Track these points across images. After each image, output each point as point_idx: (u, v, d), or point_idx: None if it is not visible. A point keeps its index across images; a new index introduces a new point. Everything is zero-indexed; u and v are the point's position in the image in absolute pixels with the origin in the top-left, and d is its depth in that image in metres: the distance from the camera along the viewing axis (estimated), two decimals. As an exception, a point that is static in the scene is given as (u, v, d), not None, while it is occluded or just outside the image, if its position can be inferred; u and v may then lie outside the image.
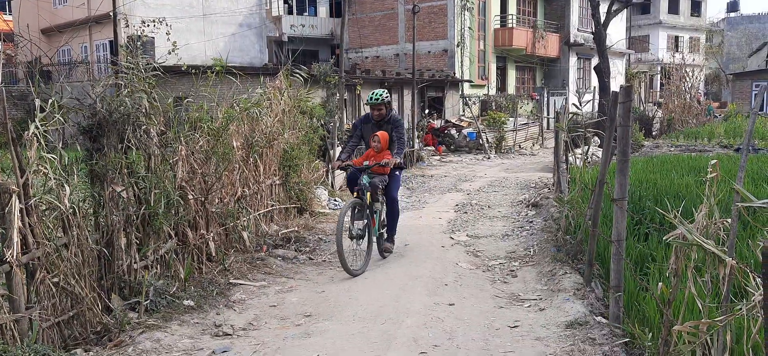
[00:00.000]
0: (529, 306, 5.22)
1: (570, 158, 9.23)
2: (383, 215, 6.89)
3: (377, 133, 6.75)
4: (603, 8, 22.53)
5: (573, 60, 32.52)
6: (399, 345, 4.33)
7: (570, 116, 10.64)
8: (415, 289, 5.73)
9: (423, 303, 5.31)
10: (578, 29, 32.41)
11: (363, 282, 6.00)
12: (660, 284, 3.54)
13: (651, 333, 3.68)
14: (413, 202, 11.28)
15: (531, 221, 8.92)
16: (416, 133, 18.17)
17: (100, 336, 4.30)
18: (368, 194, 6.45)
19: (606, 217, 6.40)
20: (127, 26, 13.64)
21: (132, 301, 4.73)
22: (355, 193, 6.61)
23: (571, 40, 31.79)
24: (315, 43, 31.14)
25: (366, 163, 6.63)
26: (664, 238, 3.38)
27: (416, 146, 17.95)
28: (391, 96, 23.54)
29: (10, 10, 29.37)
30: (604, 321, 4.54)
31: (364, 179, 6.48)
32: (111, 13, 14.17)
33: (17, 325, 3.73)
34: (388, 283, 5.92)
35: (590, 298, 5.08)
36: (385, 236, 6.96)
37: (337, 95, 16.82)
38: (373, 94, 6.84)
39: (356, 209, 6.47)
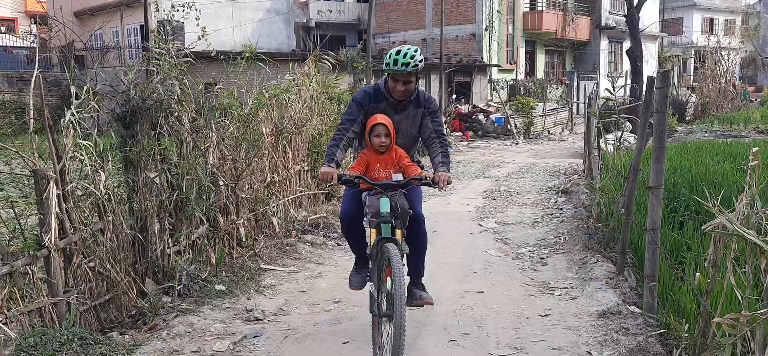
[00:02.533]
0: (559, 295, 5.17)
1: (601, 144, 9.08)
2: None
3: (379, 119, 3.93)
4: (636, -10, 22.02)
5: (604, 44, 31.92)
6: (429, 333, 4.32)
7: (603, 101, 10.45)
8: (444, 277, 5.71)
9: (452, 290, 5.29)
10: (610, 12, 31.77)
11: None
12: (697, 274, 3.47)
13: (687, 325, 3.60)
14: (441, 188, 11.20)
15: (561, 208, 8.81)
16: (443, 118, 18.07)
17: (135, 319, 4.38)
18: (398, 231, 3.79)
19: (639, 204, 6.29)
20: (158, 10, 13.76)
21: (165, 286, 4.81)
22: (373, 229, 3.82)
23: (603, 24, 31.19)
24: (342, 28, 31.09)
25: (397, 178, 3.81)
26: (702, 227, 3.30)
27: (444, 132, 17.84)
28: (418, 82, 23.24)
29: (44, -6, 29.80)
30: (637, 310, 4.47)
31: (383, 205, 3.70)
32: (141, -1, 14.31)
33: (55, 308, 3.82)
34: (417, 270, 5.91)
35: (623, 287, 5.01)
36: (414, 276, 4.23)
37: (365, 80, 16.80)
38: (399, 52, 3.87)
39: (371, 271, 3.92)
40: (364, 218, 3.99)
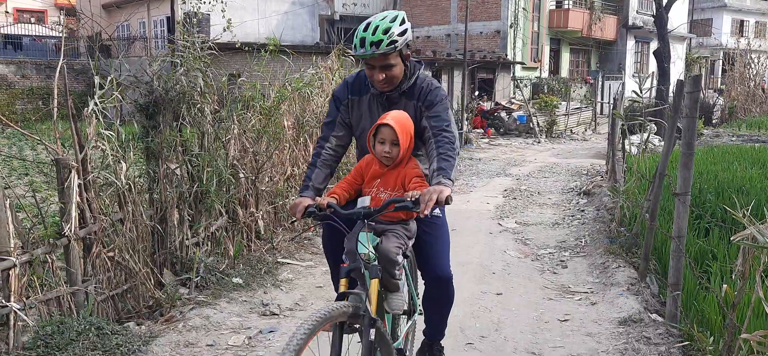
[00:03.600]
0: (579, 299, 5.08)
1: (626, 146, 8.93)
2: (413, 316, 3.24)
3: (387, 119, 2.80)
4: (665, -10, 21.61)
5: (631, 43, 31.44)
6: (446, 335, 4.27)
7: (629, 102, 10.29)
8: (463, 277, 5.65)
9: (470, 291, 5.23)
10: (638, 11, 31.27)
11: (410, 266, 5.96)
12: (724, 286, 3.37)
13: (712, 337, 3.51)
14: (460, 186, 11.15)
15: (582, 210, 8.69)
16: (465, 115, 17.96)
17: (152, 310, 4.40)
18: (372, 281, 2.56)
19: (664, 210, 6.18)
20: (184, 2, 13.83)
21: (183, 277, 4.82)
22: (343, 280, 2.61)
23: (630, 23, 30.71)
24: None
25: (363, 204, 2.67)
26: (731, 238, 3.20)
27: (465, 129, 17.74)
28: (440, 78, 22.81)
29: (72, -15, 30.22)
30: (659, 319, 4.37)
31: (361, 245, 2.62)
32: (168, -10, 14.42)
33: (74, 297, 3.84)
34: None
35: (645, 294, 4.91)
36: (431, 339, 3.34)
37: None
38: (367, 27, 2.79)
39: (340, 332, 2.36)
40: (348, 252, 2.73)
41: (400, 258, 2.73)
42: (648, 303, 4.74)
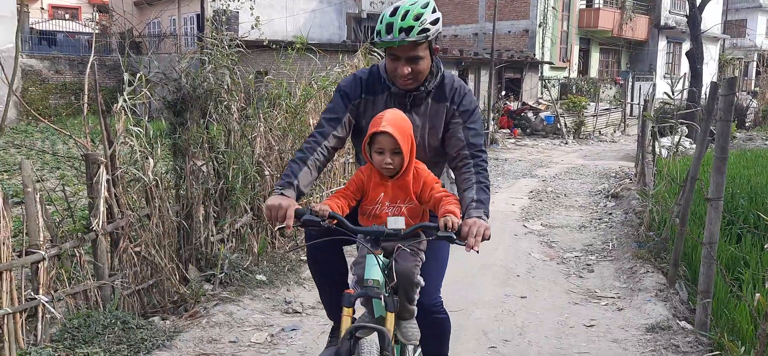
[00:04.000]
0: (606, 305, 5.00)
1: (656, 148, 8.77)
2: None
3: (383, 124, 2.32)
4: (699, -11, 21.19)
5: (662, 44, 30.88)
6: (468, 337, 4.24)
7: (660, 103, 10.10)
8: (486, 278, 5.60)
9: (494, 293, 5.18)
10: (670, 11, 30.71)
11: (433, 267, 5.93)
12: (757, 294, 3.27)
13: (743, 347, 3.42)
14: (487, 186, 11.04)
15: (610, 213, 8.56)
16: (491, 115, 17.83)
17: (177, 305, 4.45)
18: (389, 316, 2.30)
19: (694, 214, 6.05)
20: (214, 0, 14.02)
21: (207, 273, 4.86)
22: (347, 309, 2.29)
23: (662, 23, 30.17)
24: (393, 20, 30.95)
25: (396, 225, 2.30)
26: (765, 245, 3.11)
27: (491, 129, 17.61)
28: (467, 78, 22.61)
29: (106, -17, 30.80)
30: (688, 326, 4.28)
31: (370, 269, 2.27)
32: (197, -12, 14.60)
33: (100, 291, 3.90)
34: (457, 270, 5.81)
35: (674, 301, 4.81)
36: None
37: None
38: (394, 11, 2.40)
39: None
40: (350, 274, 2.52)
41: (420, 279, 2.45)
42: (677, 310, 4.64)
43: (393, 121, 2.31)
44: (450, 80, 2.59)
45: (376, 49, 8.94)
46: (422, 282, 2.46)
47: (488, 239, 2.20)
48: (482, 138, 2.54)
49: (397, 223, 2.27)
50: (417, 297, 2.47)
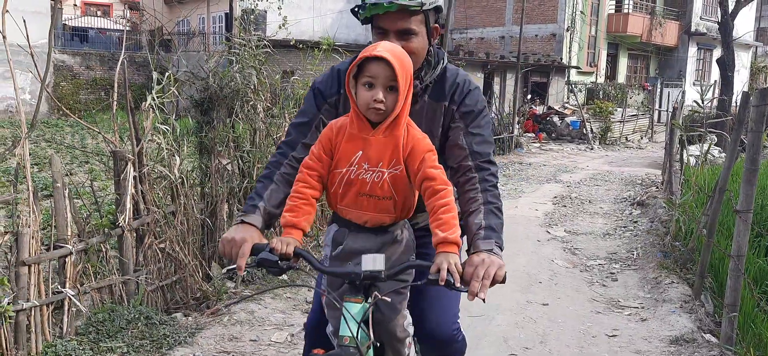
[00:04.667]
0: (629, 314, 4.93)
1: (684, 157, 8.63)
2: None
3: (379, 49, 1.77)
4: (732, -4, 20.80)
5: (692, 50, 30.36)
6: (488, 344, 4.22)
7: (689, 111, 9.94)
8: (508, 284, 5.52)
9: (515, 300, 5.15)
10: (701, 17, 30.18)
11: (455, 271, 5.91)
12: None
13: (770, 363, 3.35)
14: (509, 190, 10.99)
15: (635, 221, 8.44)
16: (516, 118, 17.71)
17: (199, 302, 4.50)
18: None
19: (722, 225, 5.93)
20: (242, 0, 14.15)
21: (231, 269, 4.91)
22: None
23: (692, 29, 29.66)
24: (419, 21, 30.95)
25: (371, 265, 1.71)
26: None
27: (516, 132, 17.49)
28: (493, 81, 22.55)
29: (136, -19, 31.34)
30: (714, 340, 4.20)
31: (345, 324, 1.70)
32: (226, -13, 14.76)
33: (125, 287, 3.96)
34: (480, 275, 5.79)
35: (699, 313, 4.72)
36: None
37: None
38: None
39: None
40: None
41: (410, 330, 2.00)
42: (702, 322, 4.56)
43: (391, 49, 1.78)
44: (452, 74, 2.07)
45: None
46: (411, 333, 2.02)
47: (502, 282, 1.68)
48: (491, 147, 2.00)
49: (374, 263, 1.70)
50: (408, 351, 2.03)
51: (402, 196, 1.86)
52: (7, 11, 3.27)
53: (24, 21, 3.29)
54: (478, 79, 20.59)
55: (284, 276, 5.21)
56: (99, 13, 33.47)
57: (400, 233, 1.94)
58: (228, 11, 16.49)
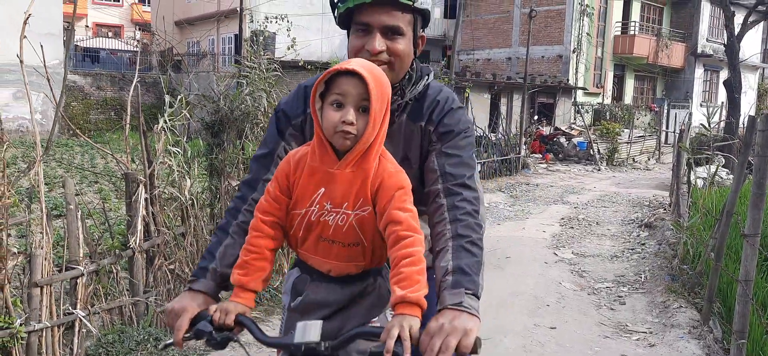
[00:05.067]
0: (637, 339, 4.92)
1: (691, 179, 8.62)
2: None
3: (352, 64, 1.50)
4: (738, 18, 20.86)
5: (699, 71, 30.40)
6: (496, 367, 4.21)
7: (696, 133, 9.95)
8: (515, 307, 5.56)
9: (523, 323, 5.14)
10: (707, 39, 30.25)
11: (462, 293, 5.91)
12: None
13: (779, 390, 3.33)
14: (516, 212, 10.99)
15: (643, 244, 8.42)
16: (523, 139, 17.74)
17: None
18: None
19: (730, 249, 5.92)
20: (252, 21, 14.34)
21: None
22: None
23: (699, 51, 29.73)
24: (427, 43, 31.12)
25: (308, 336, 1.44)
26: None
27: (523, 153, 17.51)
28: (500, 102, 22.56)
29: (148, 3, 31.80)
30: (723, 366, 4.19)
31: None
32: (238, 9, 14.96)
33: (135, 308, 4.00)
34: (487, 297, 5.76)
35: (707, 339, 4.70)
36: None
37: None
38: None
39: None
40: None
41: None
42: (710, 348, 4.54)
43: (366, 65, 1.51)
44: (434, 91, 1.79)
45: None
46: None
47: (474, 352, 1.36)
48: (469, 170, 1.67)
49: (307, 333, 1.44)
50: None
51: (371, 242, 1.55)
52: (25, 37, 3.35)
53: (41, 47, 3.37)
54: (484, 100, 20.68)
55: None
56: (110, 34, 33.94)
57: (371, 283, 1.62)
58: (237, 33, 16.69)
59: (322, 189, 1.53)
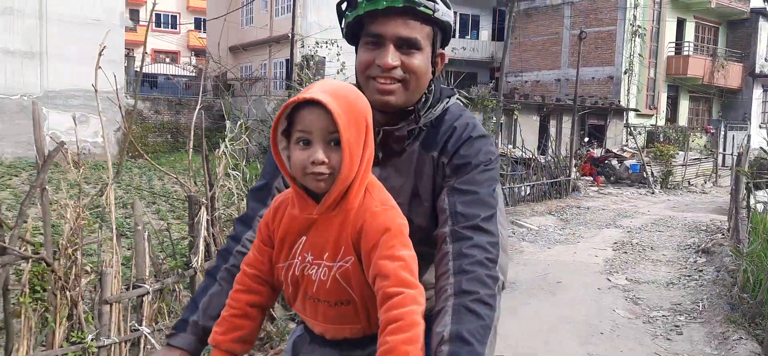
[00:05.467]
0: (695, 369, 4.80)
1: (751, 203, 8.36)
2: None
3: (313, 91, 1.23)
4: (799, 36, 20.16)
5: (758, 92, 29.41)
6: (549, 393, 4.19)
7: (755, 156, 9.66)
8: (566, 334, 5.50)
9: (574, 351, 5.08)
10: (766, 59, 29.29)
11: (511, 316, 5.89)
12: None
13: None
14: (567, 235, 10.85)
15: (700, 270, 8.19)
16: (573, 161, 17.51)
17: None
18: None
19: (794, 278, 5.73)
20: (303, 46, 14.72)
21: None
22: None
23: (757, 71, 28.79)
24: (475, 65, 31.23)
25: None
26: None
27: (573, 176, 17.28)
28: (549, 124, 22.38)
29: (204, 29, 32.96)
30: (787, 399, 4.05)
31: None
32: (289, 34, 15.39)
33: (197, 325, 4.15)
34: (537, 322, 5.75)
35: (771, 370, 4.56)
36: None
37: (495, 119, 16.71)
38: None
39: None
40: None
41: None
42: (774, 380, 4.40)
43: (330, 89, 1.25)
44: (453, 117, 1.52)
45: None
46: None
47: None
48: (488, 210, 1.38)
49: None
50: None
51: (363, 300, 1.29)
52: (100, 68, 3.58)
53: (114, 76, 3.59)
54: (533, 122, 20.53)
55: None
56: (167, 60, 35.29)
57: (375, 352, 1.19)
58: (289, 58, 17.16)
59: (303, 238, 1.31)
